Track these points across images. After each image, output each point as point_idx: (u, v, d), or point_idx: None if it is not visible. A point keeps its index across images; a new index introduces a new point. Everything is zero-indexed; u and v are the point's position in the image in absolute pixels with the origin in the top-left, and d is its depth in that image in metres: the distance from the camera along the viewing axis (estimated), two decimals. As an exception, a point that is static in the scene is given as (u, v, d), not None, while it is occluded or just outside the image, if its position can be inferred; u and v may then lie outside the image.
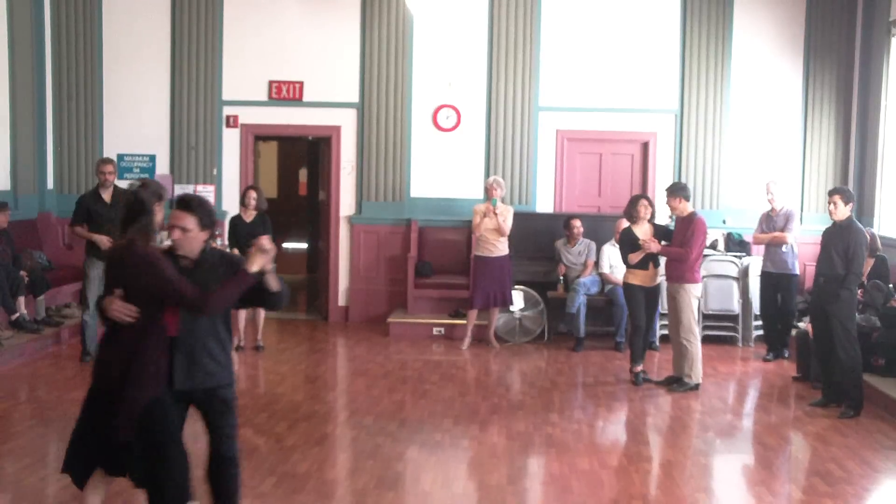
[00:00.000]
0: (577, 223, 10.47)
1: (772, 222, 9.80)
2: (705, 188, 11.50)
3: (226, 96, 11.66)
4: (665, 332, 9.53)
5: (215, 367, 4.52)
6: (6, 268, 9.18)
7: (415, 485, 5.90)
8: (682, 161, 11.51)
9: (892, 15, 10.55)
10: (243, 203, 9.82)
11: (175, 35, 11.57)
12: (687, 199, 8.54)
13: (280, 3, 11.59)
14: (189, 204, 4.45)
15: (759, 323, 10.64)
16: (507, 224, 9.87)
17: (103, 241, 8.82)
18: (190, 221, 4.44)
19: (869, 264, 8.73)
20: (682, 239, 8.38)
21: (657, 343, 10.11)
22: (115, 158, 10.75)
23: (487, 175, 11.20)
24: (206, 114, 11.62)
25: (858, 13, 11.30)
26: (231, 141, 11.72)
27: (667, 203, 8.67)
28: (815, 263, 8.17)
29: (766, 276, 9.84)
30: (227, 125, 11.70)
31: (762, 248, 10.14)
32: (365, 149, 11.60)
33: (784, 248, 9.66)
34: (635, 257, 8.53)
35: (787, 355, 9.78)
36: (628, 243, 8.64)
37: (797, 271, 9.84)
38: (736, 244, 11.16)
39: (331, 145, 11.73)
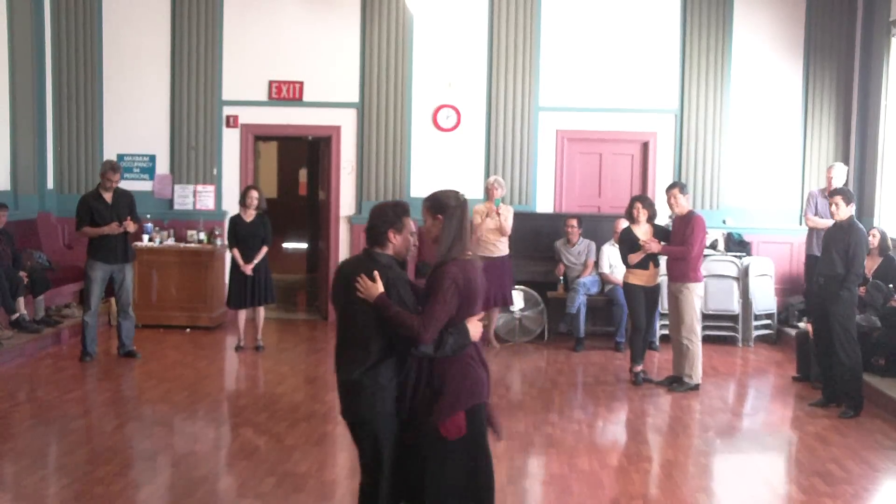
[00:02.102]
0: (573, 222, 10.46)
1: (826, 206, 9.44)
2: (705, 188, 11.49)
3: (226, 96, 11.66)
4: (665, 332, 9.53)
5: None
6: (6, 268, 9.18)
7: (415, 485, 5.89)
8: (682, 161, 11.51)
9: (892, 15, 10.55)
10: (244, 203, 9.80)
11: (175, 35, 11.57)
12: (683, 194, 8.49)
13: (280, 2, 11.58)
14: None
15: (760, 323, 10.67)
16: (509, 224, 9.87)
17: (114, 228, 8.86)
18: None
19: (876, 262, 8.72)
20: (681, 238, 8.37)
21: (657, 343, 10.10)
22: (116, 160, 10.80)
23: (487, 175, 11.20)
24: (206, 114, 11.62)
25: (858, 13, 11.30)
26: (231, 141, 11.71)
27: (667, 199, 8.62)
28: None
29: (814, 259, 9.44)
30: (227, 125, 11.69)
31: (758, 245, 10.43)
32: (365, 149, 11.60)
33: None
34: (635, 258, 8.52)
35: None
36: (628, 243, 8.63)
37: None
38: (736, 244, 11.16)
39: (331, 145, 11.73)
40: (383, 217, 4.25)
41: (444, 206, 4.27)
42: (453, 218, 4.24)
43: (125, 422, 7.19)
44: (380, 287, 4.10)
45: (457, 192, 4.37)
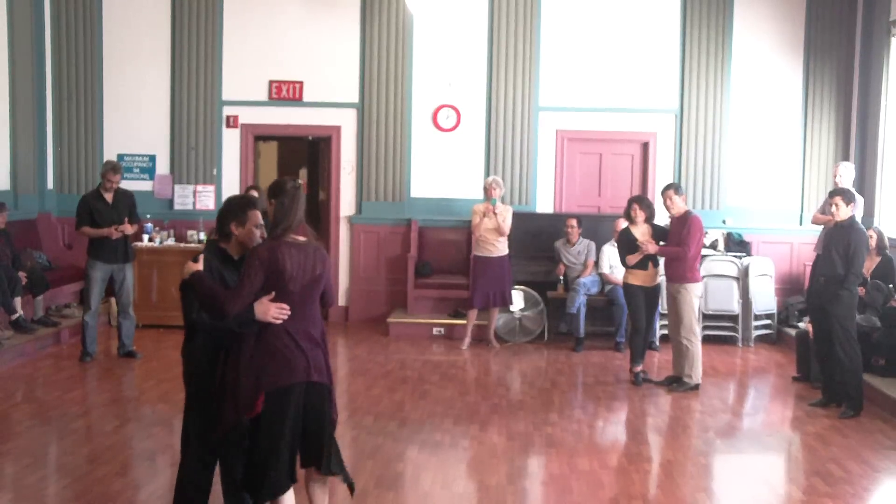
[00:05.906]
0: (572, 222, 10.45)
1: None
2: (705, 188, 11.49)
3: (226, 96, 11.66)
4: (665, 332, 9.53)
5: None
6: (6, 268, 9.17)
7: (415, 485, 5.90)
8: (682, 161, 11.51)
9: (892, 15, 10.55)
10: (244, 203, 9.79)
11: (175, 35, 11.57)
12: (679, 195, 8.47)
13: (280, 3, 11.59)
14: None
15: (760, 323, 10.67)
16: (507, 224, 9.86)
17: (112, 232, 8.86)
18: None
19: (874, 262, 8.71)
20: (678, 238, 8.36)
21: (657, 343, 10.10)
22: (116, 160, 10.81)
23: (487, 175, 11.20)
24: (206, 114, 11.62)
25: (858, 13, 11.31)
26: (231, 141, 11.72)
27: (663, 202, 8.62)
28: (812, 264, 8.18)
29: None
30: (227, 125, 11.70)
31: (758, 245, 10.49)
32: (365, 149, 11.60)
33: None
34: (633, 258, 8.52)
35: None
36: (626, 244, 8.63)
37: None
38: (736, 244, 11.16)
39: (331, 145, 11.73)
40: (228, 210, 4.56)
41: (279, 190, 4.49)
42: (283, 202, 4.43)
43: (125, 422, 7.19)
44: (199, 266, 4.37)
45: (294, 179, 4.58)
